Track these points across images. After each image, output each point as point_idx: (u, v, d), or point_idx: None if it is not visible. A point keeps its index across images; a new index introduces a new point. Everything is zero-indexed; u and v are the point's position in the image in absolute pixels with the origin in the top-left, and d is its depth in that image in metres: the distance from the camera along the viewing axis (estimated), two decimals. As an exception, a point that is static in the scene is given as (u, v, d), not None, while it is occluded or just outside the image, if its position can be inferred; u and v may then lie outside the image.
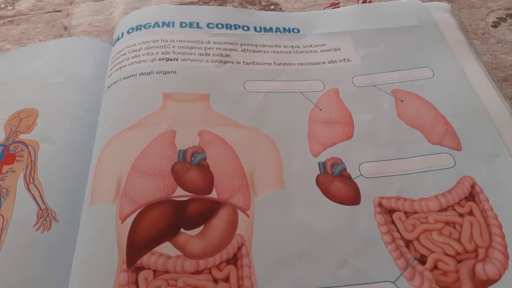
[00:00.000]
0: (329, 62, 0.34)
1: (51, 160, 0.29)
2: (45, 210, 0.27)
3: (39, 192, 0.27)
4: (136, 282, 0.23)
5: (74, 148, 0.30)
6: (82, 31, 0.40)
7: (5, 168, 0.29)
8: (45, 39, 0.40)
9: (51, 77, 0.34)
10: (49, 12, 0.43)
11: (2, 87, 0.34)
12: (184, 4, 0.41)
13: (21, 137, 0.30)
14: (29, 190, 0.27)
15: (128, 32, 0.35)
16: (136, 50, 0.33)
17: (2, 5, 0.44)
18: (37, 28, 0.41)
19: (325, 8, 0.39)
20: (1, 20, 0.42)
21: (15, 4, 0.44)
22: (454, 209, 0.26)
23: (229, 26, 0.36)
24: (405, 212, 0.26)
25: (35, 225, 0.26)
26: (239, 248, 0.24)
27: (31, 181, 0.28)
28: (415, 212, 0.26)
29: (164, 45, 0.33)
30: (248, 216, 0.26)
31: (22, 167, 0.29)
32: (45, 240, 0.26)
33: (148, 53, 0.33)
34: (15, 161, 0.29)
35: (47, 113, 0.32)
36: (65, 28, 0.41)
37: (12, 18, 0.43)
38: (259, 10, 0.40)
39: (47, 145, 0.30)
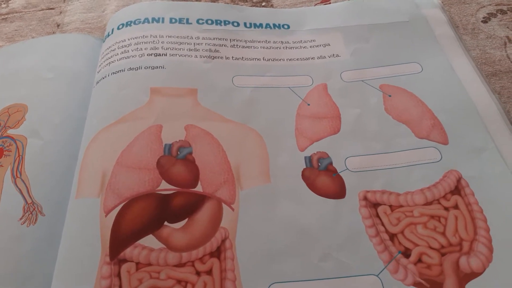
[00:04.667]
0: (318, 58, 0.34)
1: (39, 154, 0.29)
2: (31, 204, 0.27)
3: (26, 186, 0.27)
4: (119, 275, 0.23)
5: (63, 143, 0.30)
6: (74, 28, 0.40)
7: (-8, 162, 0.29)
8: (37, 37, 0.40)
9: (42, 73, 0.34)
10: (42, 9, 0.43)
11: (-6, 83, 0.34)
12: (175, 0, 0.41)
13: (10, 132, 0.30)
14: (16, 184, 0.28)
15: (118, 28, 0.35)
16: (125, 46, 0.33)
17: (-4, 3, 0.44)
18: (30, 26, 0.41)
19: (316, 4, 0.39)
20: (-6, 18, 0.42)
21: (9, 1, 0.44)
22: (439, 203, 0.26)
23: (219, 22, 0.36)
24: (390, 206, 0.26)
25: (21, 219, 0.26)
26: (223, 241, 0.24)
27: (18, 175, 0.28)
28: (400, 206, 0.26)
29: (153, 41, 0.33)
30: (233, 209, 0.26)
31: (9, 161, 0.29)
32: (31, 234, 0.26)
33: (137, 48, 0.33)
34: (3, 156, 0.29)
35: (37, 109, 0.32)
36: (58, 26, 0.41)
37: (6, 16, 0.43)
38: (251, 6, 0.40)
39: (36, 139, 0.30)
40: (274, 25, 0.36)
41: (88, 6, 0.42)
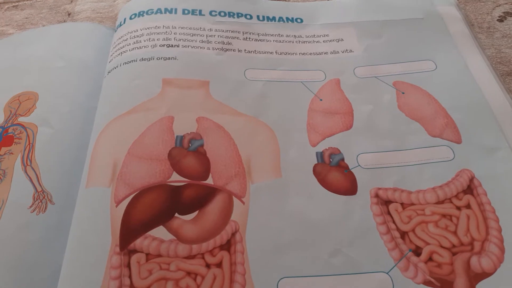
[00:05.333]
0: (331, 53, 0.34)
1: (50, 143, 0.29)
2: (41, 192, 0.27)
3: (36, 174, 0.27)
4: (129, 265, 0.23)
5: (73, 132, 0.30)
6: (85, 17, 0.40)
7: (3, 150, 0.29)
8: (48, 25, 0.40)
9: (53, 61, 0.34)
10: (53, -3, 0.43)
11: (4, 71, 0.34)
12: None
13: (20, 119, 0.30)
14: (26, 172, 0.28)
15: (130, 18, 0.35)
16: (137, 36, 0.33)
17: (7, -10, 0.44)
18: (41, 14, 0.41)
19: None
20: (5, 5, 0.42)
21: (20, -11, 0.44)
22: (451, 202, 0.25)
23: (231, 14, 0.35)
24: (402, 204, 0.26)
25: (30, 207, 0.26)
26: (233, 234, 0.24)
27: (29, 163, 0.28)
28: (412, 204, 0.26)
29: (166, 32, 0.33)
30: (243, 203, 0.26)
31: (20, 149, 0.29)
32: (40, 222, 0.26)
33: (150, 39, 0.32)
34: (13, 143, 0.29)
35: (47, 97, 0.32)
36: (69, 14, 0.41)
37: (17, 3, 0.43)
38: (264, -1, 0.39)
39: (46, 128, 0.30)
40: (287, 18, 0.36)
41: (99, -5, 0.42)
